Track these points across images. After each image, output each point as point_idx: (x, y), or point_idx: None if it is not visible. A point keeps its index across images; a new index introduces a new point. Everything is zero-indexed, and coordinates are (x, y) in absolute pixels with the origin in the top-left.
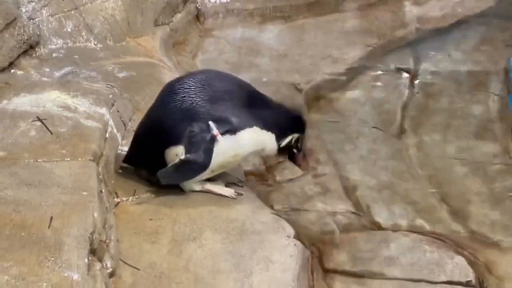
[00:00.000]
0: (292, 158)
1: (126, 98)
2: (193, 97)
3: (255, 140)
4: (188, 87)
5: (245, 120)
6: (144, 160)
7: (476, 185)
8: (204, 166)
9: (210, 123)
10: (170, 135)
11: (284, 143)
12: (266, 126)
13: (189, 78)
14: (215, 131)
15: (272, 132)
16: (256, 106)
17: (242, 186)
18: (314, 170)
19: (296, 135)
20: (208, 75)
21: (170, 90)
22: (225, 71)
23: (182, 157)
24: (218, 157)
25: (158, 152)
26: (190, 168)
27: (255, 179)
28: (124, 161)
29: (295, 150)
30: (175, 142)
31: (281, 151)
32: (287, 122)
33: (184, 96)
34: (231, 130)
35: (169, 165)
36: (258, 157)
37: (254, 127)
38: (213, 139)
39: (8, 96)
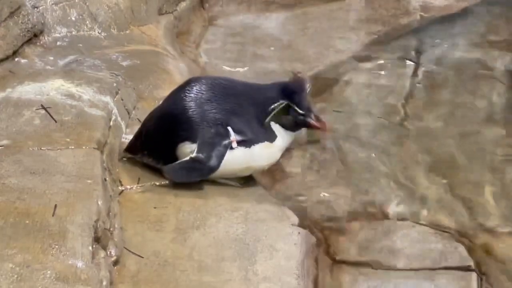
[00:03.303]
0: (307, 125)
1: (130, 87)
2: (218, 101)
3: (268, 154)
4: (213, 88)
5: (259, 135)
6: (151, 148)
7: (481, 173)
8: (212, 169)
9: (229, 129)
10: (188, 131)
11: (267, 119)
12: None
13: (217, 80)
14: (232, 137)
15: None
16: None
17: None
18: (318, 158)
19: (282, 103)
20: (235, 83)
21: (196, 86)
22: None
23: (193, 155)
24: (231, 165)
25: (170, 144)
26: (198, 168)
27: None
28: (127, 149)
29: (301, 117)
30: (192, 139)
31: (293, 128)
32: (273, 101)
33: (210, 98)
34: (247, 141)
35: (178, 161)
36: None
37: (266, 142)
38: (228, 145)
39: (12, 85)
